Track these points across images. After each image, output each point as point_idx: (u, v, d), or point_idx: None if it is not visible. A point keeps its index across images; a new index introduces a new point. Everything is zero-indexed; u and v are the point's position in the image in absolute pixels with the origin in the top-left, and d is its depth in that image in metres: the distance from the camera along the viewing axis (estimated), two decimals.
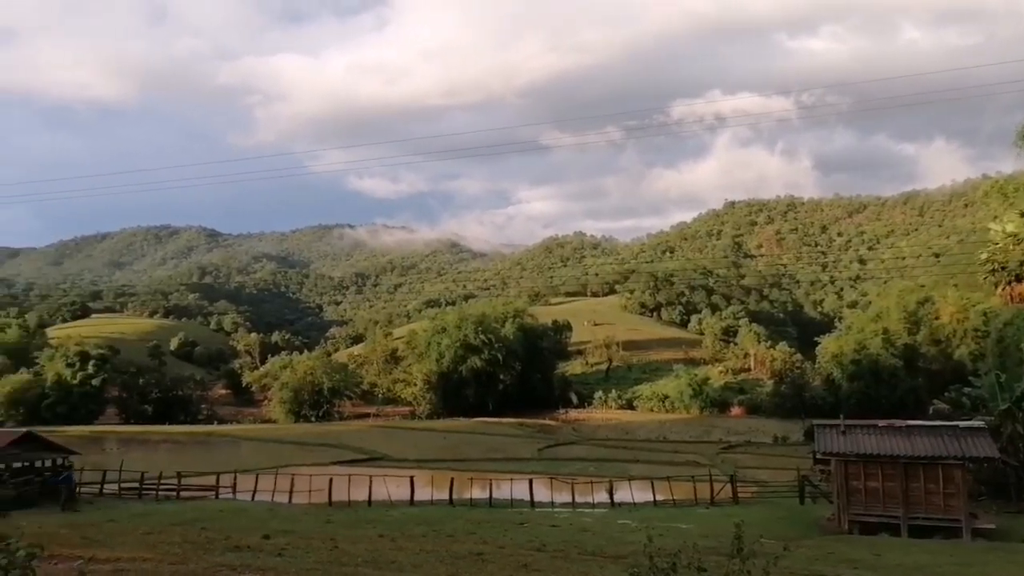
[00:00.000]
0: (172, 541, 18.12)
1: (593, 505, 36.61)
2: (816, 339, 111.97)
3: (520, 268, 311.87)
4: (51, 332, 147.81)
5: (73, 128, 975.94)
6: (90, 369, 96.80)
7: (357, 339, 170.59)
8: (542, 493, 38.45)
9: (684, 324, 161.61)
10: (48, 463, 37.45)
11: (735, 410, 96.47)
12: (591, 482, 40.67)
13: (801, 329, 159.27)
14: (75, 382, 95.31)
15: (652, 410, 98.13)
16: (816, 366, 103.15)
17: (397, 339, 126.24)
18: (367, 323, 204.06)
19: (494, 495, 36.86)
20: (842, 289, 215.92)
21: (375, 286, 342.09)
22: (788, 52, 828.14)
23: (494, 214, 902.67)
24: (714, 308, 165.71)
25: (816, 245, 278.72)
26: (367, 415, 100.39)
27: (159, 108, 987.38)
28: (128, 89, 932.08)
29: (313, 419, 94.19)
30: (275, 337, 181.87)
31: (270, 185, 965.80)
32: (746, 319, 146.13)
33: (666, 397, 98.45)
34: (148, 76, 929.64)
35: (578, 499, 37.27)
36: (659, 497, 38.20)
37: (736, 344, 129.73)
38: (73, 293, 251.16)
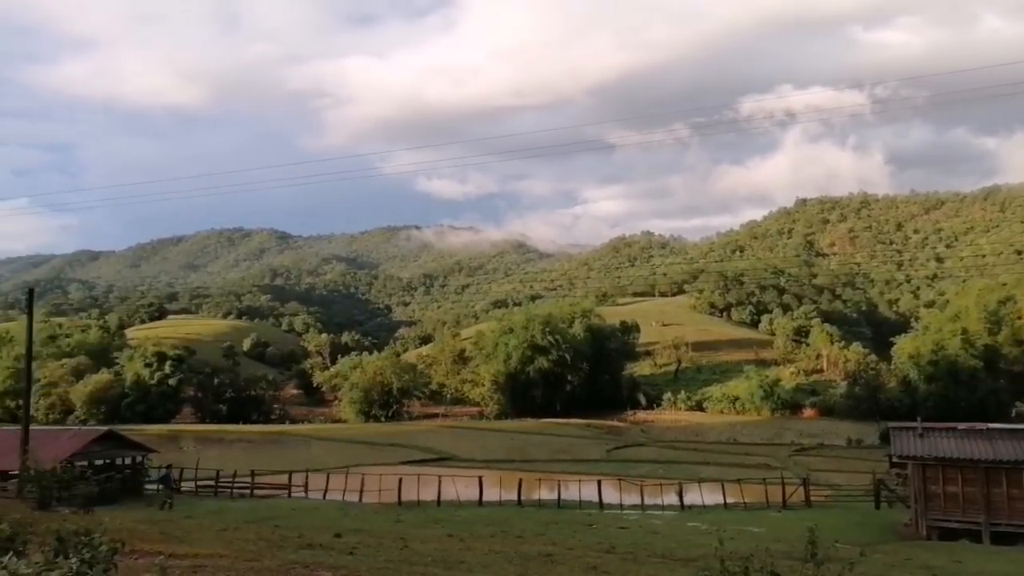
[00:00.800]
0: (247, 538, 18.50)
1: (662, 507, 36.09)
2: (891, 339, 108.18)
3: (587, 268, 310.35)
4: (130, 333, 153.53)
5: (151, 134, 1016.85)
6: (167, 369, 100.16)
7: (425, 339, 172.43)
8: (611, 495, 38.09)
9: (755, 324, 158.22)
10: (128, 460, 38.86)
11: (807, 412, 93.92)
12: (660, 484, 40.03)
13: (876, 329, 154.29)
14: (153, 382, 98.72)
15: (722, 412, 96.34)
16: (892, 367, 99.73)
17: (465, 340, 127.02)
18: (435, 324, 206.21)
19: (562, 496, 36.72)
20: (919, 288, 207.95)
21: (443, 287, 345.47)
22: (862, 45, 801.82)
23: (560, 214, 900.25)
24: (785, 308, 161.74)
25: (891, 243, 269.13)
26: (435, 415, 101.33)
27: (233, 113, 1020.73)
28: (203, 95, 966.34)
29: (382, 419, 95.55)
30: (345, 338, 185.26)
31: (339, 187, 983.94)
32: (818, 319, 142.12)
33: (736, 399, 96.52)
34: (222, 82, 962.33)
35: (647, 501, 36.81)
36: (730, 500, 37.46)
37: (808, 345, 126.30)
38: (150, 295, 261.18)
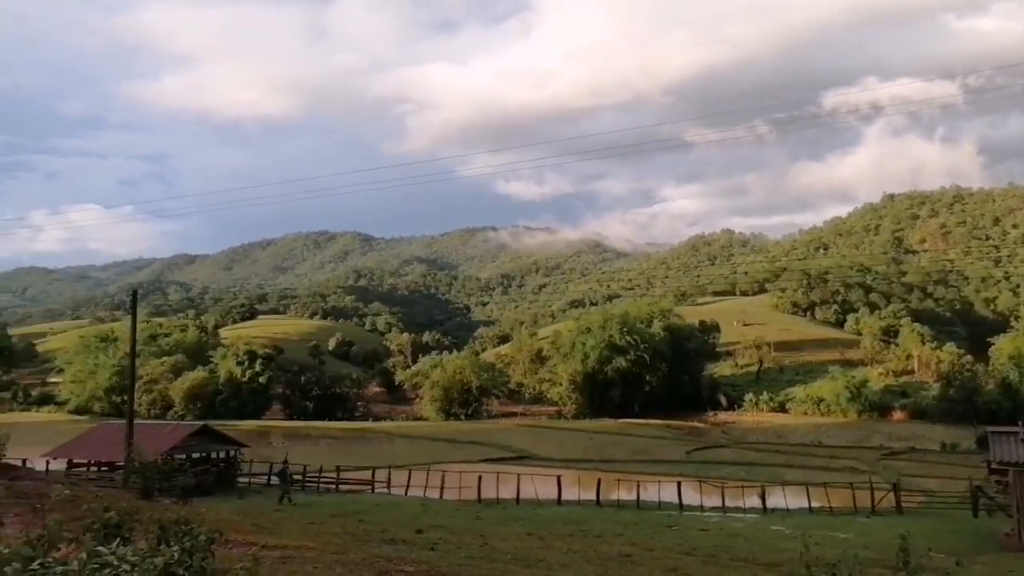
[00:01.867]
0: (333, 531, 19.09)
1: (744, 510, 35.40)
2: (989, 340, 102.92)
3: (665, 267, 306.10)
4: (223, 333, 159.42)
5: (242, 143, 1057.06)
6: (257, 367, 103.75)
7: (503, 339, 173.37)
8: (691, 496, 37.58)
9: (840, 324, 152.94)
10: (222, 454, 40.57)
11: (897, 414, 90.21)
12: (742, 487, 39.26)
13: (971, 329, 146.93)
14: (244, 379, 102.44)
15: (806, 413, 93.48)
16: (989, 368, 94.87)
17: (542, 339, 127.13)
18: (513, 323, 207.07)
19: (641, 497, 36.48)
20: (1018, 285, 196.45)
21: (520, 287, 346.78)
22: (954, 33, 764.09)
23: (637, 213, 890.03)
24: (872, 307, 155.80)
25: (987, 239, 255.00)
26: (514, 414, 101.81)
27: (319, 121, 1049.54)
28: (292, 104, 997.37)
29: (462, 417, 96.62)
30: (426, 337, 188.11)
31: (420, 190, 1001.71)
32: (908, 318, 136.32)
33: (821, 400, 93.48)
34: (309, 91, 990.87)
35: (728, 504, 36.18)
36: (815, 504, 36.44)
37: (897, 345, 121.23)
38: (242, 296, 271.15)
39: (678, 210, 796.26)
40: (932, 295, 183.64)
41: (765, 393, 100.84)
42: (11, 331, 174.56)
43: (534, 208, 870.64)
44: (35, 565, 5.59)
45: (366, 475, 42.14)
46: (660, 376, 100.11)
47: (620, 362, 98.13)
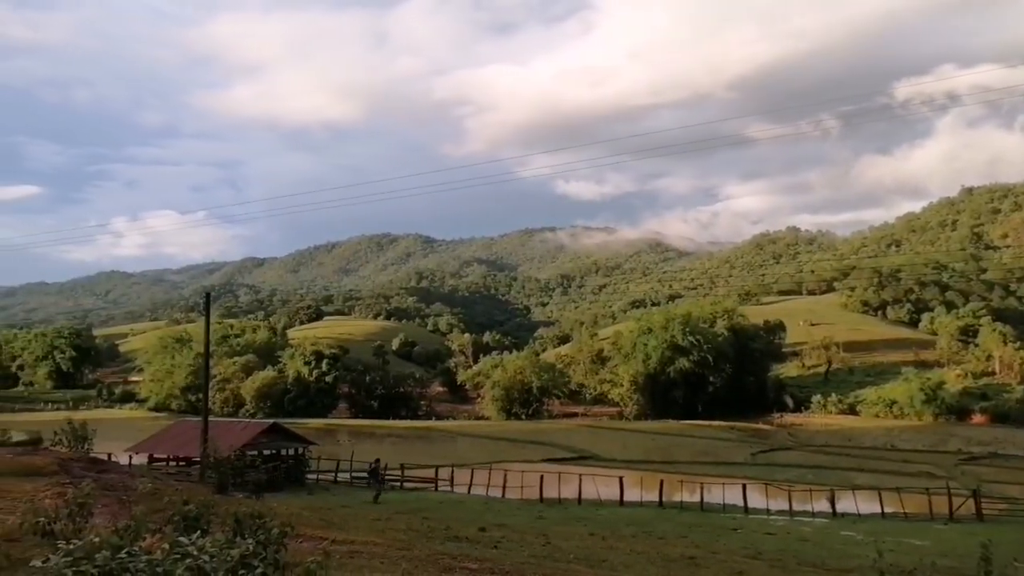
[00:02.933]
0: (398, 528, 19.44)
1: (812, 514, 34.64)
2: None
3: (729, 266, 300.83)
4: (291, 333, 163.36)
5: (309, 148, 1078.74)
6: (324, 367, 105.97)
7: (564, 339, 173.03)
8: (756, 499, 36.93)
9: (913, 324, 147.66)
10: (291, 451, 41.61)
11: (976, 418, 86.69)
12: (810, 490, 38.38)
13: None
14: (312, 379, 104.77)
15: (877, 416, 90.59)
16: None
17: (603, 340, 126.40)
18: (573, 324, 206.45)
19: (705, 499, 36.00)
20: None
21: (580, 287, 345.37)
22: None
23: (698, 211, 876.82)
24: (949, 306, 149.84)
25: None
26: (575, 414, 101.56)
27: (381, 125, 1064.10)
28: (355, 109, 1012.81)
29: (523, 417, 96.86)
30: (486, 337, 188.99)
31: (479, 192, 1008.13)
32: (988, 317, 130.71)
33: (894, 402, 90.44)
34: (371, 96, 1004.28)
35: (795, 507, 35.41)
36: (887, 509, 35.36)
37: (977, 345, 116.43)
38: (308, 298, 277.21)
39: (741, 208, 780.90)
40: (1015, 293, 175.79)
41: (834, 395, 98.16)
42: (95, 332, 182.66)
43: (592, 208, 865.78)
44: (123, 553, 5.89)
45: (429, 473, 42.67)
46: (724, 377, 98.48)
47: (683, 363, 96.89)
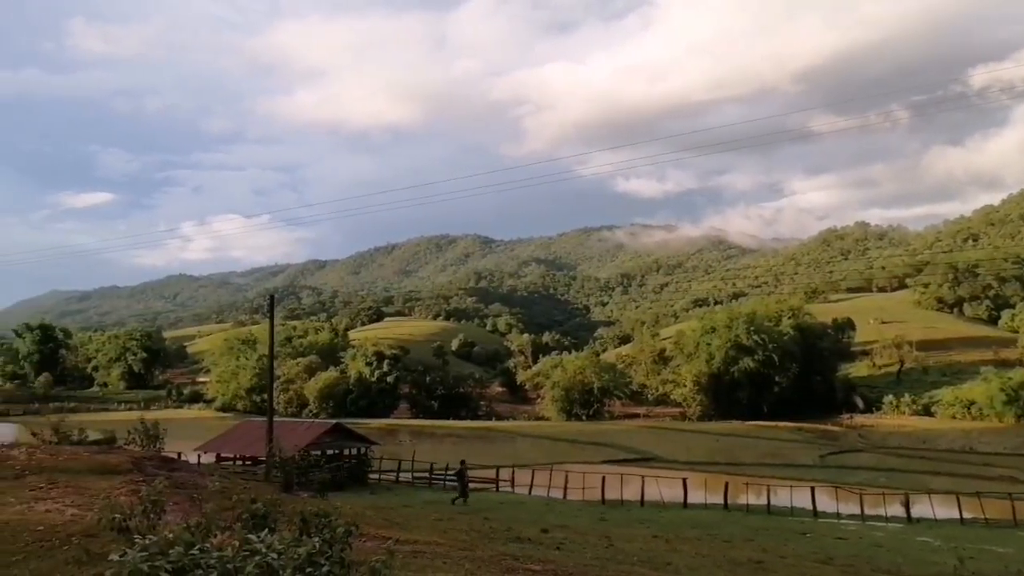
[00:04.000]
0: (459, 528, 19.50)
1: (886, 519, 33.53)
2: None
3: (794, 263, 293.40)
4: (352, 334, 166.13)
5: (370, 151, 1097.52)
6: (385, 368, 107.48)
7: (624, 339, 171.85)
8: (826, 503, 35.92)
9: (993, 321, 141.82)
10: (354, 451, 42.20)
11: None
12: (883, 494, 37.15)
13: None
14: (373, 379, 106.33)
15: (954, 417, 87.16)
16: None
17: (664, 339, 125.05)
18: (634, 323, 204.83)
19: (772, 502, 35.22)
20: None
21: (641, 286, 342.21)
22: None
23: (761, 208, 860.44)
24: None
25: None
26: (636, 415, 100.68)
27: (441, 127, 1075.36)
28: (415, 112, 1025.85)
29: (584, 418, 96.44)
30: (546, 337, 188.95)
31: (537, 191, 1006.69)
32: None
33: (972, 403, 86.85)
34: (431, 98, 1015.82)
35: (868, 511, 34.35)
36: (966, 515, 33.94)
37: None
38: (369, 299, 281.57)
39: (806, 203, 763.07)
40: None
41: (907, 395, 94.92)
42: (165, 334, 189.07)
43: (652, 206, 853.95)
44: (195, 550, 6.03)
45: (490, 474, 42.79)
46: (790, 377, 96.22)
47: (747, 362, 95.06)
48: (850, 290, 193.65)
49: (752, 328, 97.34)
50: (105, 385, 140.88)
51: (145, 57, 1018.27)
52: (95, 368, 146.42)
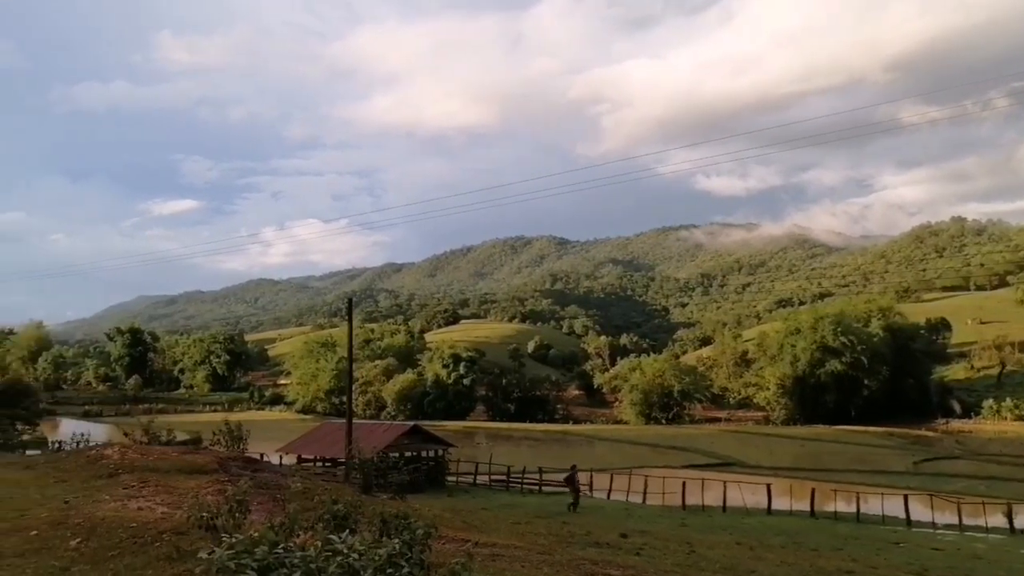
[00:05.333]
0: (538, 532, 19.43)
1: (986, 529, 31.84)
2: None
3: (884, 261, 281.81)
4: (429, 337, 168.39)
5: (446, 154, 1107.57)
6: (461, 370, 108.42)
7: (705, 341, 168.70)
8: (920, 512, 34.38)
9: None
10: (431, 453, 42.65)
11: None
12: (982, 503, 35.28)
13: None
14: (450, 381, 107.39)
15: None
16: None
17: (747, 341, 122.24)
18: (715, 325, 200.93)
19: (862, 510, 33.91)
20: None
21: (722, 286, 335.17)
22: None
23: (848, 204, 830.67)
24: None
25: None
26: (718, 419, 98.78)
27: (516, 127, 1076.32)
28: (490, 113, 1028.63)
29: (663, 421, 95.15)
30: (623, 340, 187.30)
31: (613, 191, 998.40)
32: None
33: None
34: (506, 99, 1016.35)
35: (966, 521, 32.65)
36: None
37: None
38: (445, 302, 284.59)
39: (896, 199, 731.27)
40: None
41: (1009, 399, 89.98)
42: (246, 337, 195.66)
43: (729, 204, 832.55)
44: (279, 549, 6.16)
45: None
46: (880, 380, 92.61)
47: (834, 365, 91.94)
48: (945, 289, 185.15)
49: (839, 329, 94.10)
50: (191, 387, 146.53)
51: (228, 66, 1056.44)
52: (181, 370, 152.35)
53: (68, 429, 69.06)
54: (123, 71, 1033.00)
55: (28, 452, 37.90)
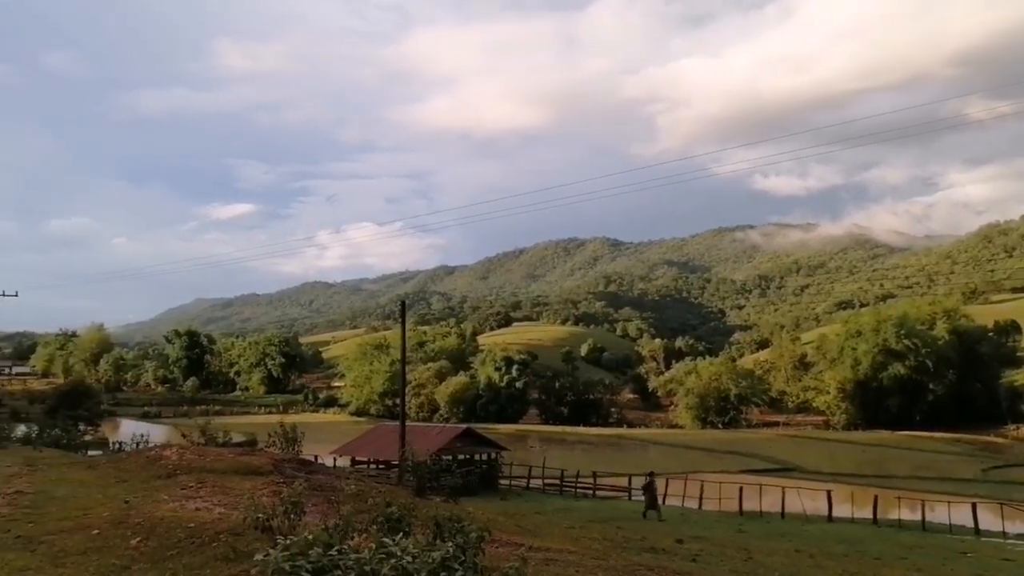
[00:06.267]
0: (592, 537, 19.26)
1: None
2: None
3: (950, 262, 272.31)
4: (481, 339, 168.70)
5: (498, 156, 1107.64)
6: (514, 373, 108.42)
7: (762, 344, 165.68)
8: (989, 521, 33.13)
9: None
10: (484, 456, 42.74)
11: None
12: None
13: None
14: (502, 384, 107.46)
15: None
16: None
17: (806, 344, 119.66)
18: (773, 327, 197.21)
19: (927, 518, 32.82)
20: None
21: (780, 288, 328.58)
22: None
23: (910, 203, 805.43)
24: None
25: None
26: (776, 424, 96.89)
27: (570, 128, 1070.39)
28: (544, 115, 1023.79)
29: (719, 426, 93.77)
30: (678, 343, 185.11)
31: (668, 192, 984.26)
32: None
33: None
34: (560, 100, 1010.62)
35: None
36: None
37: None
38: (497, 304, 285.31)
39: (963, 197, 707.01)
40: None
41: None
42: (301, 340, 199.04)
43: (785, 204, 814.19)
44: (334, 551, 6.22)
45: (622, 482, 42.20)
46: (946, 384, 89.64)
47: (897, 369, 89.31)
48: (1015, 290, 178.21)
49: (903, 332, 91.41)
50: (246, 389, 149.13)
51: (284, 71, 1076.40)
52: (237, 373, 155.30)
53: (128, 430, 71.26)
54: (183, 78, 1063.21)
55: (90, 452, 39.12)
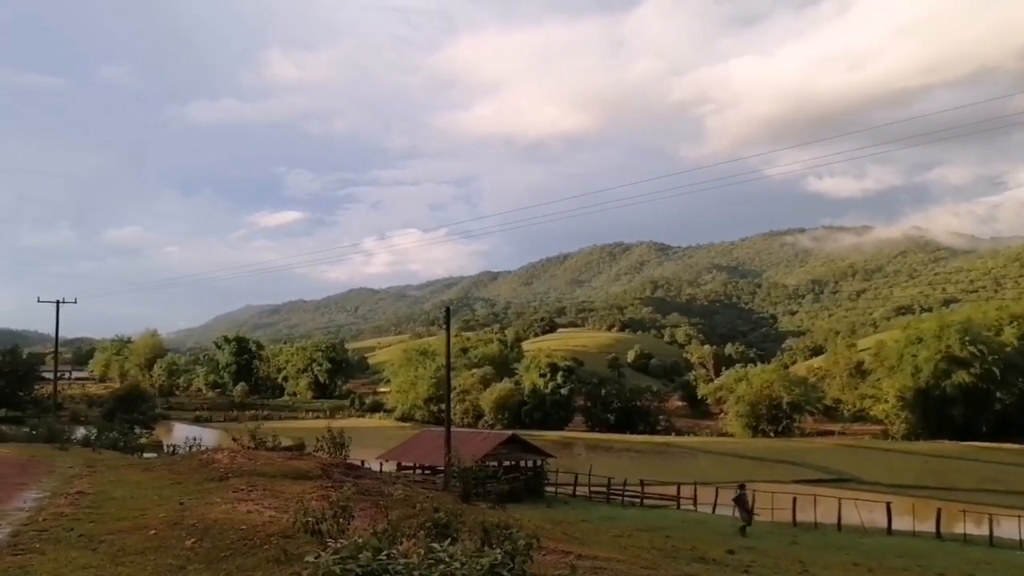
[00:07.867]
0: (640, 545, 18.97)
1: None
2: None
3: (1019, 265, 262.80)
4: (525, 345, 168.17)
5: (542, 160, 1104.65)
6: (559, 379, 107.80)
7: (816, 351, 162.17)
8: None
9: None
10: (529, 463, 42.55)
11: None
12: None
13: None
14: (547, 391, 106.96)
15: None
16: None
17: (863, 351, 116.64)
18: (827, 333, 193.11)
19: (995, 533, 31.59)
20: None
21: (834, 293, 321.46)
22: None
23: (974, 204, 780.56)
24: None
25: None
26: (831, 433, 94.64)
27: (616, 131, 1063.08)
28: (590, 118, 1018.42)
29: (771, 435, 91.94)
30: (728, 349, 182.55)
31: (717, 195, 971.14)
32: None
33: None
34: (606, 103, 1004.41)
35: None
36: None
37: None
38: (542, 310, 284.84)
39: None
40: None
41: None
42: (347, 346, 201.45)
43: (839, 207, 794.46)
44: (382, 555, 6.20)
45: (670, 490, 41.64)
46: (1015, 393, 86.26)
47: (961, 376, 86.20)
48: None
49: (967, 338, 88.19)
50: (294, 394, 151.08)
51: (332, 80, 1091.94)
52: (285, 378, 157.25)
53: (181, 433, 72.85)
54: (232, 88, 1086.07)
55: (145, 454, 40.11)
